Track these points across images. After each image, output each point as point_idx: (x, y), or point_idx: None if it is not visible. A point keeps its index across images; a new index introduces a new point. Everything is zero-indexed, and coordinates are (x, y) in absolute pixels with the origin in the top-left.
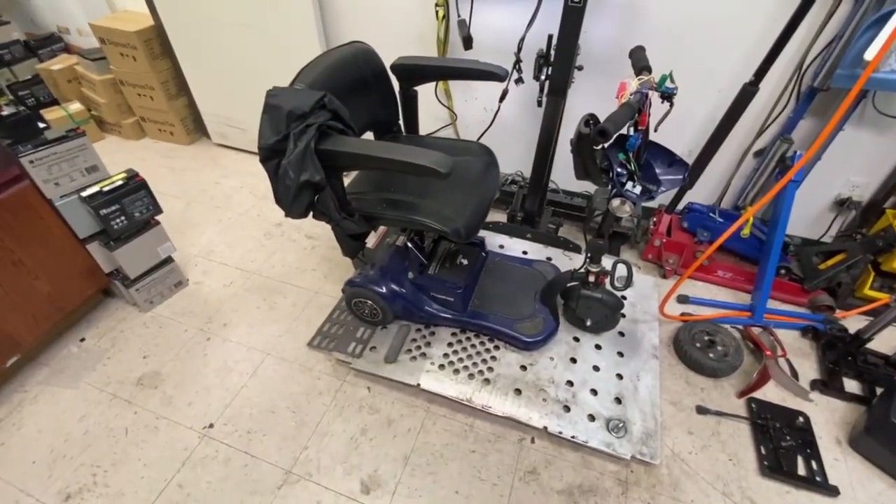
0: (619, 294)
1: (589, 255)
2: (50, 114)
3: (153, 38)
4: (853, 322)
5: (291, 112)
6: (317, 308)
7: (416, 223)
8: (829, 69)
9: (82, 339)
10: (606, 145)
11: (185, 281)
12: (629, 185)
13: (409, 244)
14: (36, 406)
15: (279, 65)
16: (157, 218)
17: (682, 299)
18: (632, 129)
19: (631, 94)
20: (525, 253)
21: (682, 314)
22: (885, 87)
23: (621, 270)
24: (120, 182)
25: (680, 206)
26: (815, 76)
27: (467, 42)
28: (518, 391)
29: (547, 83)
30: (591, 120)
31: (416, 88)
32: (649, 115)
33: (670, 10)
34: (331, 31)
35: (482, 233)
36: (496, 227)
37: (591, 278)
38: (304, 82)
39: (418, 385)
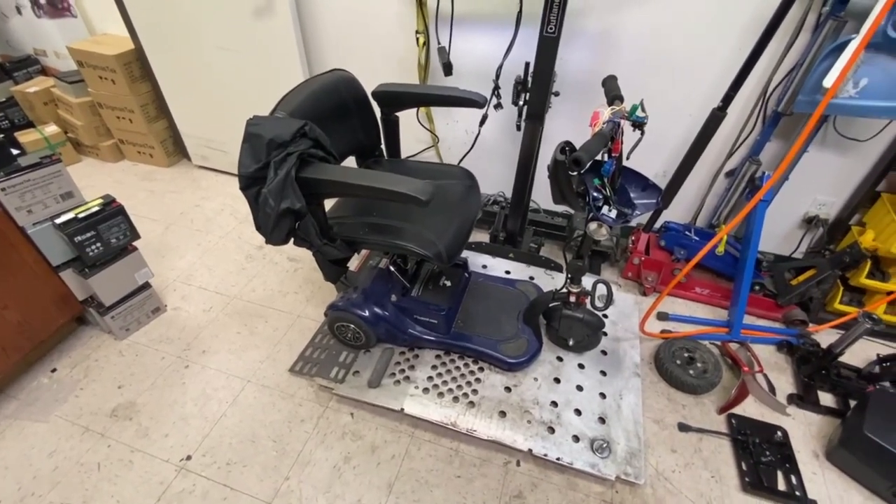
0: (600, 313)
1: (569, 276)
2: (25, 136)
3: (133, 62)
4: (826, 336)
5: (272, 141)
6: (299, 332)
7: (398, 248)
8: (792, 95)
9: (53, 370)
10: (581, 171)
11: (164, 307)
12: (605, 209)
13: (392, 268)
14: (3, 442)
15: (261, 88)
16: (135, 243)
17: (662, 317)
18: (606, 156)
19: (604, 123)
20: (508, 273)
21: (663, 331)
22: (843, 112)
23: (601, 290)
24: (96, 208)
25: (657, 225)
26: (779, 101)
27: (447, 68)
28: (503, 413)
29: (525, 108)
30: (566, 147)
31: (397, 114)
32: (622, 142)
33: (642, 41)
34: (313, 57)
35: (465, 253)
36: (479, 248)
37: (572, 298)
38: (286, 110)
39: (402, 410)
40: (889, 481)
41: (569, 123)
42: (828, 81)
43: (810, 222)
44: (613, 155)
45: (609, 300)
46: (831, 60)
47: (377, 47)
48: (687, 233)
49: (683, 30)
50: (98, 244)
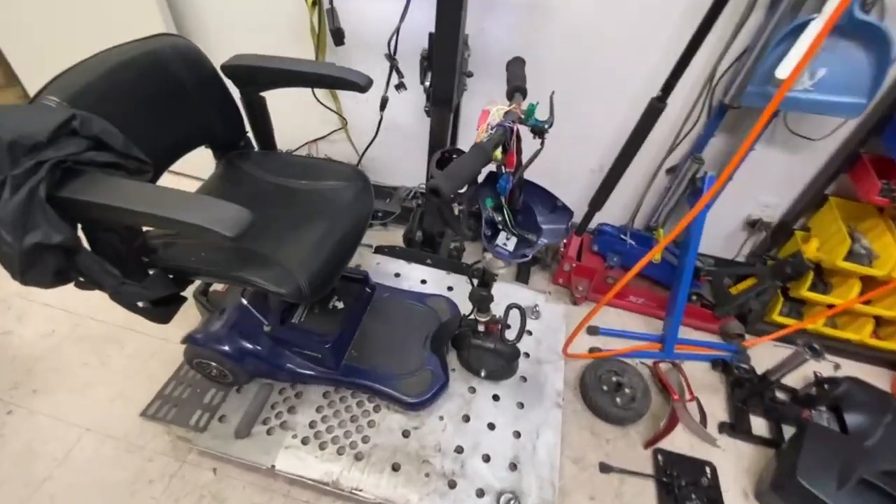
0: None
1: (474, 307)
2: None
3: None
4: (762, 350)
5: (15, 143)
6: (162, 361)
7: (239, 281)
8: (740, 85)
9: None
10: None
11: None
12: (501, 238)
13: (246, 302)
14: None
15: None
16: None
17: (592, 330)
18: (502, 168)
19: (491, 128)
20: (424, 282)
21: (591, 349)
22: (796, 108)
23: (515, 316)
24: None
25: (591, 226)
26: (726, 92)
27: (337, 36)
28: (396, 466)
29: (431, 91)
30: (446, 154)
31: (262, 94)
32: (519, 151)
33: (578, 13)
34: (188, 21)
35: (377, 259)
36: (391, 252)
37: (481, 328)
38: (62, 95)
39: (273, 467)
40: None
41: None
42: (781, 72)
43: (753, 225)
44: (507, 170)
45: (521, 333)
46: (786, 45)
47: (260, 10)
48: (622, 237)
49: (623, 4)
50: None
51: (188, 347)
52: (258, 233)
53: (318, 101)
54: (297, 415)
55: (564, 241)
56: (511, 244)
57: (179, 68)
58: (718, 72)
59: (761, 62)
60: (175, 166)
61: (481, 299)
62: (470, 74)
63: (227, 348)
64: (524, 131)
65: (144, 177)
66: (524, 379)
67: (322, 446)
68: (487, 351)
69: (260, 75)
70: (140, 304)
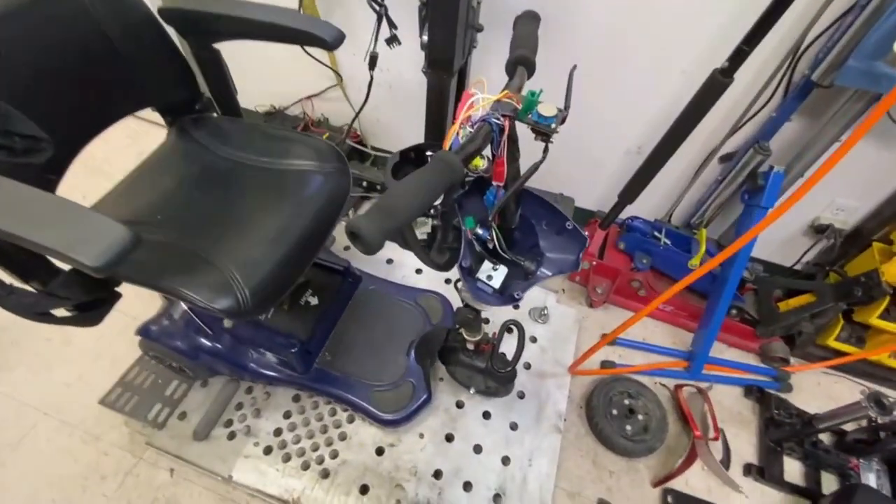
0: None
1: (458, 327)
2: None
3: None
4: (808, 378)
5: None
6: (129, 342)
7: (164, 290)
8: (837, 59)
9: None
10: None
11: None
12: (485, 269)
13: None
14: None
15: None
16: None
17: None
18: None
19: (471, 124)
20: (419, 272)
21: (604, 363)
22: None
23: (518, 332)
24: None
25: (622, 217)
26: (814, 66)
27: None
28: (364, 489)
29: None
30: (417, 153)
31: (215, 46)
32: (513, 158)
33: None
34: None
35: None
36: None
37: (470, 346)
38: None
39: (230, 477)
40: None
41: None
42: None
43: (821, 232)
44: (496, 183)
45: (517, 357)
46: None
47: None
48: (656, 235)
49: None
50: None
51: (142, 340)
52: (197, 226)
53: (307, 52)
54: (262, 419)
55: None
56: (498, 277)
57: (100, 13)
58: (807, 39)
59: (871, 30)
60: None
61: (468, 322)
62: (480, 28)
63: (180, 345)
64: (522, 128)
65: (36, 157)
66: (521, 395)
67: (286, 458)
68: (478, 371)
69: (204, 22)
70: (52, 311)
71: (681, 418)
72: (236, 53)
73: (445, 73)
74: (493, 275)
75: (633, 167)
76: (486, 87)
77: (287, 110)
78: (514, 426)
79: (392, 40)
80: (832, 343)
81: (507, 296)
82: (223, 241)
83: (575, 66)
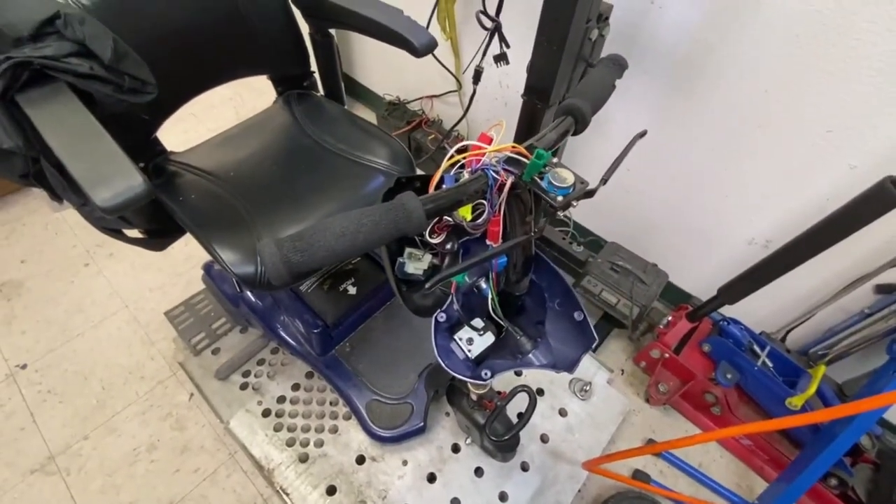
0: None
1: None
2: None
3: None
4: None
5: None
6: None
7: (202, 241)
8: None
9: None
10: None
11: None
12: (468, 337)
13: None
14: None
15: None
16: None
17: (648, 441)
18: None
19: (468, 171)
20: None
21: (637, 473)
22: None
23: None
24: None
25: (715, 314)
26: None
27: None
28: (332, 490)
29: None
30: (420, 183)
31: (331, 32)
32: (519, 221)
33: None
34: None
35: None
36: None
37: (474, 397)
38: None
39: (227, 423)
40: None
41: (642, 116)
42: None
43: None
44: (490, 243)
45: (522, 425)
46: None
47: None
48: (755, 349)
49: None
50: None
51: (204, 275)
52: (256, 191)
53: (436, 58)
54: (273, 382)
55: (670, 319)
56: (479, 345)
57: None
58: None
59: None
60: None
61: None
62: (592, 64)
63: (227, 289)
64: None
65: (139, 97)
66: (525, 467)
67: (277, 427)
68: (476, 425)
69: (323, 7)
70: (123, 229)
71: None
72: (380, 42)
73: (541, 102)
74: (476, 339)
75: (751, 261)
76: (502, 132)
77: (409, 104)
78: (503, 497)
79: (500, 58)
80: None
81: (476, 369)
82: (272, 211)
83: (643, 133)
